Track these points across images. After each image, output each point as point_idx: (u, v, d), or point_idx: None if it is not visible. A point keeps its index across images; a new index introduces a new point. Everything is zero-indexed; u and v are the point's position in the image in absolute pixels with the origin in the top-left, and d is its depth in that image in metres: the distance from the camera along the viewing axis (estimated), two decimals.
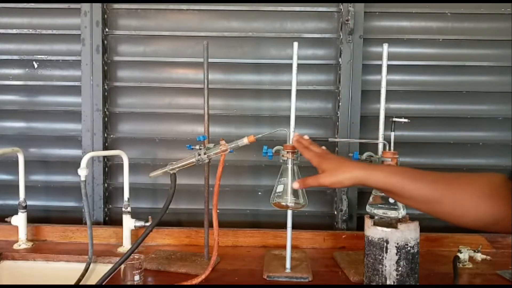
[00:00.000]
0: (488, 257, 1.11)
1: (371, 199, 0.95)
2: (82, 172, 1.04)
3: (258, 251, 1.20)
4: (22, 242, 1.20)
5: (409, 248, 0.87)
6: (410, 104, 1.37)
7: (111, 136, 1.39)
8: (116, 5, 1.36)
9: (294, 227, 1.05)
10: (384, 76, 1.01)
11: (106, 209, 1.38)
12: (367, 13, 1.32)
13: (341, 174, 0.74)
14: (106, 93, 1.37)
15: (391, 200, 0.91)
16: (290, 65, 1.00)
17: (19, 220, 1.19)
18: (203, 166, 1.07)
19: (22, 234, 1.20)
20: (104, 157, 1.37)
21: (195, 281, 0.95)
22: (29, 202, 1.21)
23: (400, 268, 0.86)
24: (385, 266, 0.87)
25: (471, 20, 1.35)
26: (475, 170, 1.32)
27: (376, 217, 0.92)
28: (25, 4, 1.36)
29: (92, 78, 1.34)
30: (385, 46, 1.01)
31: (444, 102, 1.36)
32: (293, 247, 1.09)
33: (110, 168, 1.40)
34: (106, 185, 1.38)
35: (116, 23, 1.38)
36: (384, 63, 1.01)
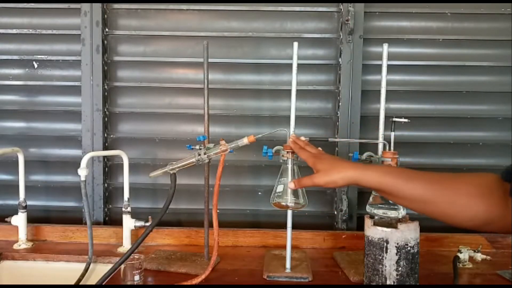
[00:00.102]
0: (488, 257, 1.11)
1: (371, 199, 0.95)
2: (82, 172, 1.04)
3: (258, 251, 1.20)
4: (22, 242, 1.20)
5: (409, 248, 0.87)
6: (410, 104, 1.37)
7: (111, 136, 1.39)
8: (116, 5, 1.36)
9: (294, 227, 1.05)
10: (384, 76, 1.01)
11: (106, 209, 1.38)
12: (367, 13, 1.32)
13: (335, 174, 0.75)
14: (106, 93, 1.37)
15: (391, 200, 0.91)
16: (290, 65, 1.00)
17: (19, 220, 1.20)
18: (203, 166, 1.07)
19: (22, 234, 1.20)
20: (104, 157, 1.37)
21: (195, 281, 0.95)
22: (29, 202, 1.21)
23: (400, 268, 0.86)
24: (385, 266, 0.87)
25: (471, 20, 1.35)
26: (475, 170, 1.33)
27: (376, 217, 0.92)
28: (25, 4, 1.36)
29: (92, 78, 1.34)
30: (385, 46, 1.01)
31: (444, 102, 1.36)
32: (293, 247, 1.09)
33: (110, 168, 1.40)
34: (106, 185, 1.38)
35: (116, 23, 1.38)
36: (384, 63, 1.01)
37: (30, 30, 1.37)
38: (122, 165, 1.20)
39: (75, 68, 1.37)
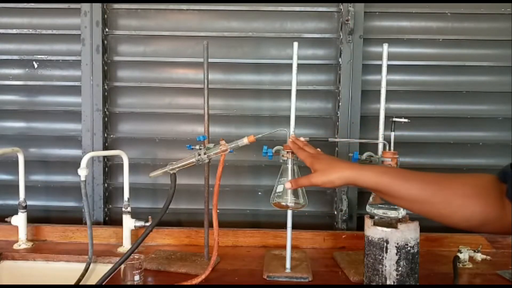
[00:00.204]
0: (488, 257, 1.11)
1: (371, 199, 0.95)
2: (82, 172, 1.04)
3: (258, 251, 1.20)
4: (22, 242, 1.20)
5: (409, 248, 0.87)
6: (410, 104, 1.37)
7: (111, 136, 1.39)
8: (116, 5, 1.36)
9: (294, 227, 1.05)
10: (384, 76, 1.01)
11: (106, 209, 1.38)
12: (367, 13, 1.32)
13: (332, 174, 0.76)
14: (106, 93, 1.37)
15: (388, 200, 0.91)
16: (290, 65, 1.00)
17: (19, 220, 1.19)
18: (203, 166, 1.07)
19: (22, 234, 1.20)
20: (104, 157, 1.37)
21: (195, 281, 0.95)
22: (29, 202, 1.21)
23: (400, 268, 0.86)
24: (385, 266, 0.87)
25: (471, 20, 1.35)
26: (475, 170, 1.33)
27: (376, 217, 0.92)
28: (25, 4, 1.36)
29: (92, 78, 1.34)
30: (385, 46, 1.01)
31: (444, 102, 1.36)
32: (293, 247, 1.09)
33: (110, 168, 1.40)
34: (106, 185, 1.38)
35: (116, 23, 1.38)
36: (384, 63, 1.01)
37: (30, 30, 1.37)
38: (122, 165, 1.20)
39: (75, 68, 1.37)
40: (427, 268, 1.06)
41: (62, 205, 1.41)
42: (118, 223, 1.22)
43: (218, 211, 0.97)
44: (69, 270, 1.11)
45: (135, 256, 0.91)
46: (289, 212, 1.03)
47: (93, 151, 1.33)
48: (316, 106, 1.38)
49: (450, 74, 1.35)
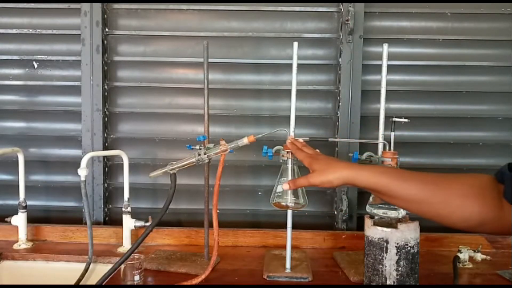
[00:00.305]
0: (488, 257, 1.11)
1: (371, 199, 0.95)
2: (82, 172, 1.04)
3: (258, 251, 1.20)
4: (22, 242, 1.20)
5: (409, 248, 0.87)
6: (410, 104, 1.37)
7: (111, 136, 1.39)
8: (116, 5, 1.36)
9: (294, 227, 1.05)
10: (384, 76, 1.01)
11: (106, 209, 1.38)
12: (367, 13, 1.32)
13: (331, 174, 0.76)
14: (106, 93, 1.37)
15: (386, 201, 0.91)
16: (290, 65, 1.00)
17: (19, 220, 1.19)
18: (203, 166, 1.07)
19: (22, 234, 1.20)
20: (104, 157, 1.37)
21: (195, 281, 0.95)
22: (29, 202, 1.21)
23: (400, 268, 0.86)
24: (385, 266, 0.87)
25: (471, 20, 1.35)
26: (475, 170, 1.33)
27: (376, 217, 0.92)
28: (25, 4, 1.36)
29: (92, 78, 1.34)
30: (385, 46, 1.01)
31: (444, 102, 1.36)
32: (293, 247, 1.09)
33: (110, 168, 1.40)
34: (106, 185, 1.38)
35: (116, 23, 1.38)
36: (384, 63, 1.01)
37: (30, 30, 1.37)
38: (122, 165, 1.20)
39: (75, 68, 1.37)
40: (427, 268, 1.06)
41: (62, 205, 1.41)
42: (118, 223, 1.22)
43: (218, 211, 0.97)
44: (69, 270, 1.11)
45: (135, 256, 0.91)
46: (289, 212, 1.03)
47: (93, 151, 1.33)
48: (316, 106, 1.38)
49: (450, 74, 1.35)
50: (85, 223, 1.27)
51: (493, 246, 1.21)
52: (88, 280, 1.06)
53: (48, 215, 1.40)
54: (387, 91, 1.02)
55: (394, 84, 1.33)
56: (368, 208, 0.95)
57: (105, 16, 1.35)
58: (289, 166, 0.94)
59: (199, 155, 0.92)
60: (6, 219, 1.21)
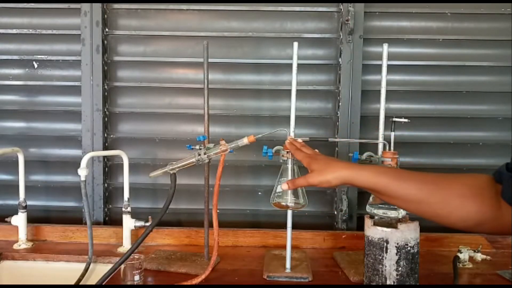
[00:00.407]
0: (488, 257, 1.11)
1: (371, 199, 0.95)
2: (82, 172, 1.04)
3: (258, 251, 1.20)
4: (22, 242, 1.20)
5: (409, 248, 0.87)
6: (410, 104, 1.37)
7: (111, 136, 1.39)
8: (116, 5, 1.36)
9: (294, 227, 1.05)
10: (384, 76, 1.01)
11: (106, 209, 1.38)
12: (367, 13, 1.32)
13: (329, 174, 0.76)
14: (106, 93, 1.37)
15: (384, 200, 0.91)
16: (290, 65, 1.00)
17: (19, 220, 1.19)
18: (203, 166, 1.07)
19: (22, 234, 1.20)
20: (104, 157, 1.37)
21: (195, 281, 0.95)
22: (29, 202, 1.21)
23: (400, 268, 0.86)
24: (385, 266, 0.87)
25: (471, 20, 1.35)
26: (475, 170, 1.33)
27: (376, 217, 0.92)
28: (25, 4, 1.36)
29: (92, 78, 1.34)
30: (385, 46, 1.01)
31: (444, 102, 1.36)
32: (293, 247, 1.09)
33: (110, 168, 1.40)
34: (106, 185, 1.38)
35: (116, 23, 1.38)
36: (384, 63, 1.01)
37: (30, 30, 1.37)
38: (122, 165, 1.20)
39: (75, 68, 1.37)
40: (427, 268, 1.06)
41: (62, 205, 1.41)
42: (118, 223, 1.22)
43: (218, 211, 0.97)
44: (69, 270, 1.11)
45: (135, 256, 0.91)
46: (289, 212, 1.03)
47: (93, 151, 1.33)
48: (316, 106, 1.38)
49: (450, 74, 1.35)
50: (85, 223, 1.27)
51: (493, 246, 1.21)
52: (88, 280, 1.06)
53: (48, 215, 1.40)
54: (387, 91, 1.02)
55: (394, 84, 1.33)
56: (368, 208, 0.95)
57: (105, 16, 1.35)
58: (289, 166, 0.94)
59: (199, 155, 0.92)
60: (6, 219, 1.21)
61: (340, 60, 1.33)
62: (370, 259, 0.90)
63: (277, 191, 0.93)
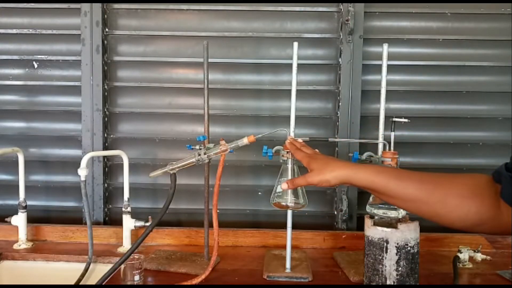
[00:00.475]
0: (488, 257, 1.11)
1: (371, 199, 0.95)
2: (82, 172, 1.04)
3: (258, 251, 1.20)
4: (22, 242, 1.20)
5: (409, 248, 0.87)
6: (410, 104, 1.37)
7: (111, 136, 1.39)
8: (116, 5, 1.36)
9: (294, 227, 1.05)
10: (384, 76, 1.01)
11: (106, 209, 1.38)
12: (367, 13, 1.32)
13: (328, 173, 0.76)
14: (106, 93, 1.37)
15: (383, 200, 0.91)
16: (290, 65, 1.00)
17: (19, 220, 1.19)
18: (203, 166, 1.07)
19: (22, 234, 1.20)
20: (104, 157, 1.37)
21: (195, 281, 0.95)
22: (29, 202, 1.21)
23: (400, 268, 0.86)
24: (385, 266, 0.87)
25: (471, 20, 1.35)
26: (475, 170, 1.32)
27: (376, 217, 0.92)
28: (25, 4, 1.36)
29: (92, 78, 1.34)
30: (385, 46, 1.01)
31: (444, 102, 1.36)
32: (293, 247, 1.09)
33: (110, 168, 1.40)
34: (106, 185, 1.38)
35: (116, 23, 1.38)
36: (384, 63, 1.01)
37: (30, 30, 1.37)
38: (122, 165, 1.20)
39: (75, 68, 1.37)
40: (427, 268, 1.06)
41: (62, 205, 1.41)
42: (118, 223, 1.22)
43: (218, 211, 0.97)
44: (69, 270, 1.11)
45: (135, 256, 0.92)
46: (289, 212, 1.03)
47: (93, 151, 1.33)
48: (316, 106, 1.38)
49: (450, 74, 1.35)
50: (85, 223, 1.26)
51: (493, 246, 1.21)
52: (88, 280, 1.06)
53: (48, 215, 1.40)
54: (387, 91, 1.02)
55: (394, 84, 1.33)
56: (368, 208, 0.95)
57: (105, 16, 1.35)
58: (289, 166, 0.94)
59: (199, 155, 0.92)
60: (6, 219, 1.21)
61: (340, 60, 1.33)
62: (370, 259, 0.90)
63: (277, 191, 0.93)
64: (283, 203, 0.91)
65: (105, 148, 1.37)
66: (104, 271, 0.90)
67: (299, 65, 1.00)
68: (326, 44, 1.36)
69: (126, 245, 1.18)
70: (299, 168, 0.94)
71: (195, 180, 1.35)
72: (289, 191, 0.91)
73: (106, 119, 1.37)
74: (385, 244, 0.87)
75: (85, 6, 1.33)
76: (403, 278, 0.87)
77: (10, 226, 1.21)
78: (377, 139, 1.02)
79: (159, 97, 1.38)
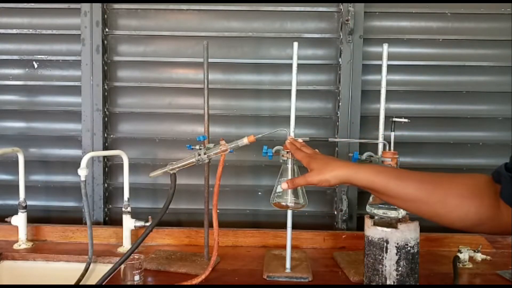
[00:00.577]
0: (488, 257, 1.11)
1: (371, 199, 0.95)
2: (82, 172, 1.04)
3: (258, 251, 1.20)
4: (22, 242, 1.20)
5: (409, 248, 0.87)
6: (410, 104, 1.37)
7: (111, 136, 1.39)
8: (116, 5, 1.36)
9: (294, 227, 1.05)
10: (384, 76, 1.01)
11: (106, 209, 1.38)
12: (367, 13, 1.32)
13: (328, 173, 0.76)
14: (106, 93, 1.37)
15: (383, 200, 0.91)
16: (290, 65, 1.00)
17: (19, 220, 1.19)
18: (203, 166, 1.07)
19: (22, 234, 1.20)
20: (104, 157, 1.37)
21: (195, 281, 0.95)
22: (29, 202, 1.21)
23: (400, 268, 0.86)
24: (385, 266, 0.87)
25: (471, 20, 1.35)
26: (475, 170, 1.32)
27: (376, 217, 0.92)
28: (25, 4, 1.36)
29: (92, 78, 1.34)
30: (385, 46, 1.01)
31: (444, 102, 1.36)
32: (293, 247, 1.09)
33: (110, 168, 1.40)
34: (106, 185, 1.38)
35: (116, 23, 1.38)
36: (384, 63, 1.01)
37: (30, 30, 1.37)
38: (122, 165, 1.20)
39: (75, 68, 1.37)
40: (427, 268, 1.06)
41: (62, 205, 1.41)
42: (118, 223, 1.22)
43: (218, 211, 0.97)
44: (69, 270, 1.11)
45: (135, 256, 0.92)
46: (289, 212, 1.03)
47: (93, 151, 1.33)
48: (316, 106, 1.38)
49: (450, 74, 1.35)
50: (85, 223, 1.26)
51: (493, 246, 1.21)
52: (88, 280, 1.06)
53: (48, 215, 1.40)
54: (387, 91, 1.02)
55: (394, 84, 1.33)
56: (368, 208, 0.95)
57: (105, 16, 1.35)
58: (289, 166, 0.94)
59: (199, 155, 0.92)
60: (6, 219, 1.21)
61: (340, 60, 1.33)
62: (370, 259, 0.90)
63: (277, 191, 0.93)
64: (283, 203, 0.92)
65: (105, 148, 1.37)
66: (104, 271, 0.90)
67: (299, 65, 1.00)
68: (326, 44, 1.36)
69: (126, 245, 1.18)
70: (299, 168, 0.94)
71: (195, 180, 1.35)
72: (289, 191, 0.91)
73: (106, 119, 1.37)
74: (385, 244, 0.87)
75: (85, 6, 1.33)
76: (403, 278, 0.87)
77: (10, 226, 1.21)
78: (377, 139, 1.02)
79: (159, 97, 1.38)
